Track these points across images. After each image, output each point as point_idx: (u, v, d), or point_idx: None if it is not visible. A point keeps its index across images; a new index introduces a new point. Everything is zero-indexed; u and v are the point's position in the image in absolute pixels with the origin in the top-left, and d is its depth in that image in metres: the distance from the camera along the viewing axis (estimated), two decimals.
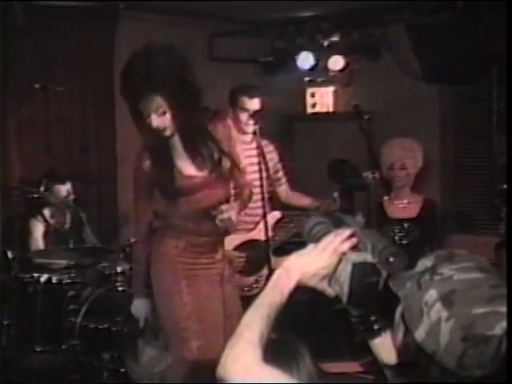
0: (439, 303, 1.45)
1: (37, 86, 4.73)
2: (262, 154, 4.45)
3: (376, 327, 1.70)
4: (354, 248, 1.64)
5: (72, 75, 6.02)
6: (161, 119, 3.28)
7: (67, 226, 5.34)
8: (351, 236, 1.65)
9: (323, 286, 1.67)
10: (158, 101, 3.26)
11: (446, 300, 1.45)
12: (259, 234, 4.42)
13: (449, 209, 6.29)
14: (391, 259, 1.61)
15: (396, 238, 4.47)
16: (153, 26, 6.02)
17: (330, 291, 1.68)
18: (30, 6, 5.29)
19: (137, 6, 6.04)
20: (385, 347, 1.71)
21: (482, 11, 5.40)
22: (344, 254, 1.63)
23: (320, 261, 1.64)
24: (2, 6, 5.11)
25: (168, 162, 3.37)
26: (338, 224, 1.71)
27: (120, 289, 4.82)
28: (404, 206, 4.65)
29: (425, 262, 1.53)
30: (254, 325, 1.58)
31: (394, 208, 4.65)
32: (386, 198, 4.60)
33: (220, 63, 6.70)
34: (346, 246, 1.64)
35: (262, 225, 4.32)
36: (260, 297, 1.63)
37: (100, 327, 4.58)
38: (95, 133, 6.22)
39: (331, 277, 1.65)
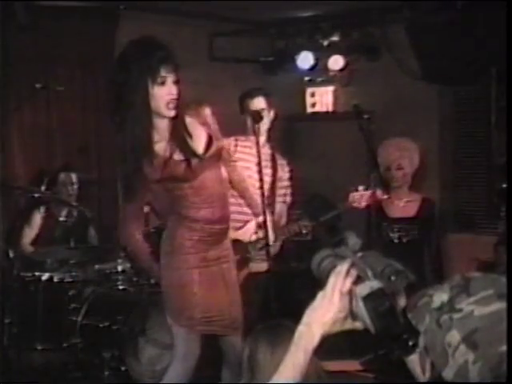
0: (463, 345, 1.40)
1: (38, 85, 4.73)
2: (272, 156, 4.47)
3: (410, 344, 1.68)
4: (358, 279, 1.61)
5: (73, 75, 6.04)
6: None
7: (72, 220, 5.35)
8: (350, 269, 1.61)
9: (349, 325, 1.64)
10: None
11: (470, 341, 1.39)
12: (244, 234, 4.28)
13: (448, 208, 6.31)
14: (393, 278, 1.60)
15: (395, 236, 4.49)
16: (153, 26, 6.02)
17: (359, 325, 1.63)
18: (31, 5, 5.30)
19: (137, 6, 6.05)
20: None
21: (482, 11, 5.41)
22: (350, 290, 1.60)
23: (333, 307, 1.60)
24: (3, 6, 5.12)
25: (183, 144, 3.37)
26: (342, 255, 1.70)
27: (121, 287, 4.84)
28: (403, 206, 4.67)
29: (441, 296, 1.48)
30: None
31: (392, 207, 4.67)
32: (385, 197, 4.62)
33: (220, 63, 6.71)
34: (348, 283, 1.59)
35: (249, 225, 4.23)
36: (284, 360, 1.60)
37: (101, 326, 4.59)
38: (95, 133, 6.23)
39: (352, 313, 1.61)
